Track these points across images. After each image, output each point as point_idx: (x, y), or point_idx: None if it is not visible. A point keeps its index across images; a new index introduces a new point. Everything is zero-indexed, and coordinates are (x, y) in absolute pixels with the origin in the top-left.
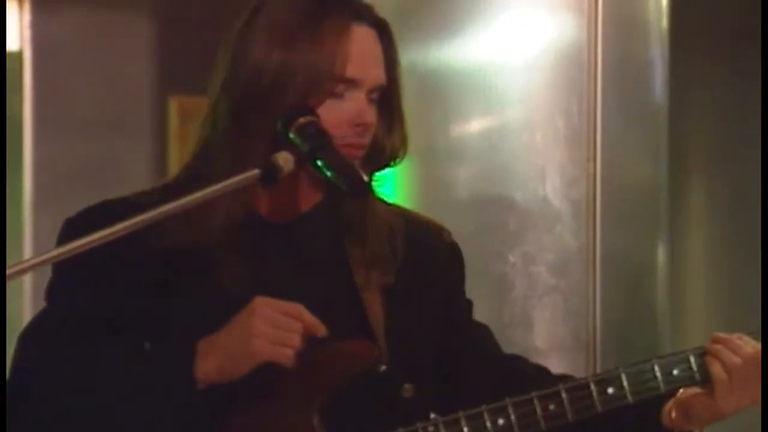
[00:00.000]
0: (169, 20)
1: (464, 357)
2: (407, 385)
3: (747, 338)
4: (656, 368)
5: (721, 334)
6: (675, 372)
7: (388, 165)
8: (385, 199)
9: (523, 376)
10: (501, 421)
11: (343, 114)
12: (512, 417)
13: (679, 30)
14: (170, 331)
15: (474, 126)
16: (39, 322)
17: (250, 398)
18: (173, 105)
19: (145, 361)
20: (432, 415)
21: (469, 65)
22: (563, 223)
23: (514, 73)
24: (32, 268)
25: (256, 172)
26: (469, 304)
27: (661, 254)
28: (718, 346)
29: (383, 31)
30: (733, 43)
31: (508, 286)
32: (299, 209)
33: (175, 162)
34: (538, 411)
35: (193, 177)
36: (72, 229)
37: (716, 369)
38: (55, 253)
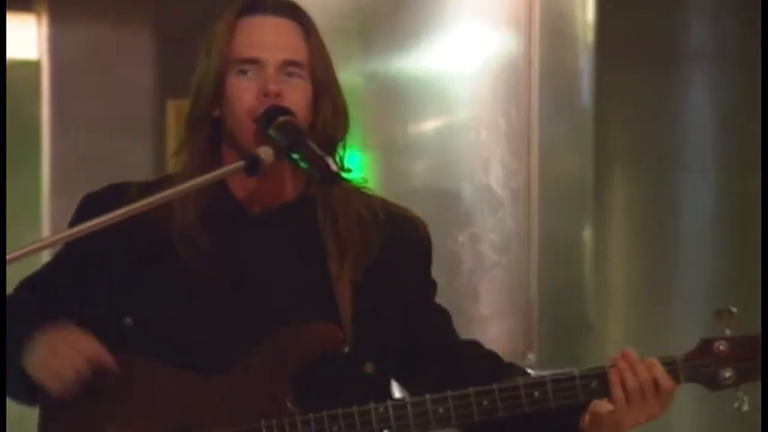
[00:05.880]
0: (167, 33)
1: (423, 342)
2: (368, 363)
3: (654, 362)
4: (577, 380)
5: (630, 354)
6: (593, 384)
7: (332, 138)
8: (370, 192)
9: (473, 363)
10: (441, 410)
11: (252, 87)
12: (451, 408)
13: (604, 42)
14: (148, 308)
15: (428, 125)
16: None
17: (219, 376)
18: (171, 108)
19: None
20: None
21: (424, 73)
22: (505, 209)
23: (463, 80)
24: (51, 245)
25: (242, 163)
26: (433, 286)
27: (588, 235)
28: (623, 366)
29: (301, 21)
30: (650, 53)
31: (458, 262)
32: (277, 201)
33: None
34: (473, 405)
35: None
36: (89, 203)
37: (615, 388)
38: (68, 233)
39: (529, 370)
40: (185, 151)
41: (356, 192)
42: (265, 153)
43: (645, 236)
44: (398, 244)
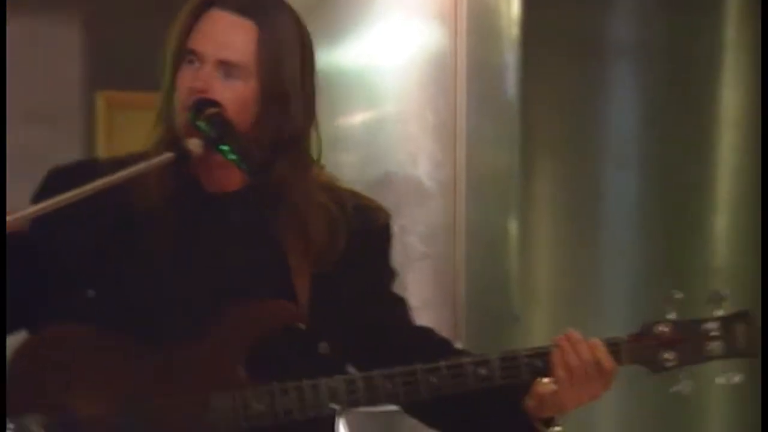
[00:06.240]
0: (95, 25)
1: (379, 328)
2: (323, 344)
3: (597, 342)
4: (523, 358)
5: (574, 334)
6: (538, 363)
7: (287, 137)
8: (338, 184)
9: (427, 350)
10: (389, 386)
11: (189, 78)
12: (398, 383)
13: (529, 37)
14: (110, 281)
15: (356, 118)
16: None
17: (174, 347)
18: (100, 98)
19: None
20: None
21: (352, 66)
22: (432, 201)
23: (391, 73)
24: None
25: (171, 154)
26: (392, 274)
27: (514, 227)
28: (566, 346)
29: (260, 21)
30: (574, 49)
31: None
32: (237, 183)
33: (102, 146)
34: (420, 381)
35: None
36: (56, 177)
37: (558, 368)
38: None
39: None
40: (156, 131)
41: (323, 184)
42: (194, 144)
43: (571, 228)
44: (361, 234)
